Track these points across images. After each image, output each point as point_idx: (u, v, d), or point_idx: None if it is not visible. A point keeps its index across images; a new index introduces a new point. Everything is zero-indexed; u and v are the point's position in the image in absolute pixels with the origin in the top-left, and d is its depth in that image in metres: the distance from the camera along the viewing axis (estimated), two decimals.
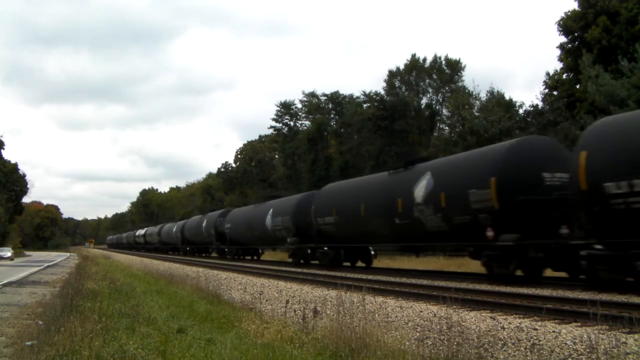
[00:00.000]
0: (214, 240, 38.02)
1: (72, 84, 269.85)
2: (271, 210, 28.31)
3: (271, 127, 64.57)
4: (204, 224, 40.72)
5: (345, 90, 70.89)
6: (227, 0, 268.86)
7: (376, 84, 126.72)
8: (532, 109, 33.51)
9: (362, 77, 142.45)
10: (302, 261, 25.36)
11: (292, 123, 62.44)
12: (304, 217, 24.36)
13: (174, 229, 51.72)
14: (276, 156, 70.43)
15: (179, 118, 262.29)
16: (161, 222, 72.74)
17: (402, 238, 17.98)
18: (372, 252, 21.91)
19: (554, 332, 6.89)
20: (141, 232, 73.34)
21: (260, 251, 34.88)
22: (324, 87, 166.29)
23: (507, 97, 35.98)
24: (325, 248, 22.54)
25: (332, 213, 21.71)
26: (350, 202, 20.56)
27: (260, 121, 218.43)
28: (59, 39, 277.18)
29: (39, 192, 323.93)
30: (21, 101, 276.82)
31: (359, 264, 22.43)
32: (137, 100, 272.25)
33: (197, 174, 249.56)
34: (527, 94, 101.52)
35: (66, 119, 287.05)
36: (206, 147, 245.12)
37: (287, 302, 10.19)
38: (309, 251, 24.32)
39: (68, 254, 67.66)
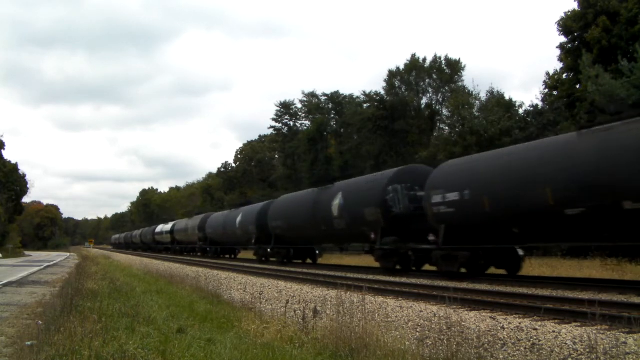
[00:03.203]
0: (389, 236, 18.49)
1: (70, 85, 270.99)
2: None
3: (271, 127, 64.72)
4: (336, 202, 20.67)
5: (345, 91, 71.02)
6: (222, 2, 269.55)
7: (376, 84, 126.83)
8: (532, 109, 33.57)
9: (362, 77, 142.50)
10: None
11: (292, 123, 62.54)
12: None
13: (239, 219, 31.91)
14: (276, 156, 70.48)
15: (176, 119, 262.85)
16: (162, 221, 71.36)
17: None
18: None
19: (554, 332, 6.89)
20: (166, 227, 54.26)
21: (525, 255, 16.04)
22: (323, 87, 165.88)
23: (506, 97, 36.08)
24: None
25: None
26: None
27: (258, 121, 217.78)
28: (56, 41, 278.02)
29: (38, 192, 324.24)
30: (20, 102, 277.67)
31: None
32: (134, 101, 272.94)
33: (196, 174, 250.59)
34: (525, 94, 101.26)
35: (64, 119, 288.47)
36: (204, 148, 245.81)
37: (287, 302, 10.20)
38: None
39: (68, 254, 67.52)
